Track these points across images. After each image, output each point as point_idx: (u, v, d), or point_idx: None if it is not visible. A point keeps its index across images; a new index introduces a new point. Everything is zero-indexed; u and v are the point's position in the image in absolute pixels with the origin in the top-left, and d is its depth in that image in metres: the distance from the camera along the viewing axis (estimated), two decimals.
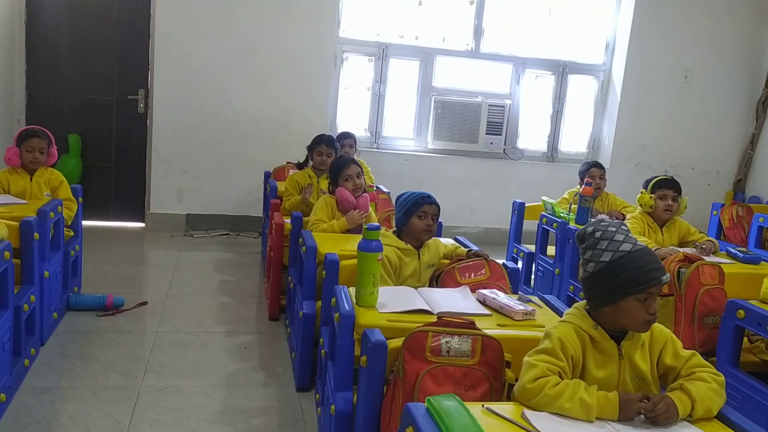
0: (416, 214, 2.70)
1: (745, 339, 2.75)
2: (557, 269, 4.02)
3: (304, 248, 2.99)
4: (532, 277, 4.47)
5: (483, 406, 1.58)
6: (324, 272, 2.73)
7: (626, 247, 1.68)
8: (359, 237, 3.15)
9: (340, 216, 3.38)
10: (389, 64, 6.03)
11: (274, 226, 3.82)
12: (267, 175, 5.14)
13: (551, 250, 4.31)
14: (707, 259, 3.28)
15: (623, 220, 4.20)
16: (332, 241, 3.09)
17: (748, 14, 6.34)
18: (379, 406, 1.91)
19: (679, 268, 2.91)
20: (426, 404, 1.50)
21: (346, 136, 5.09)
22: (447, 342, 1.86)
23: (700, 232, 3.75)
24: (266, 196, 4.95)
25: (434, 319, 2.11)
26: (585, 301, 1.77)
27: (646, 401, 1.57)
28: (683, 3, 6.21)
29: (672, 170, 6.36)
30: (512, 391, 1.69)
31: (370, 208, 3.50)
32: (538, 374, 1.60)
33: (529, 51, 6.26)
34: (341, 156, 3.76)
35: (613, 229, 1.73)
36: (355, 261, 2.69)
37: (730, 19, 6.33)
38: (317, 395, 2.70)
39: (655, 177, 3.73)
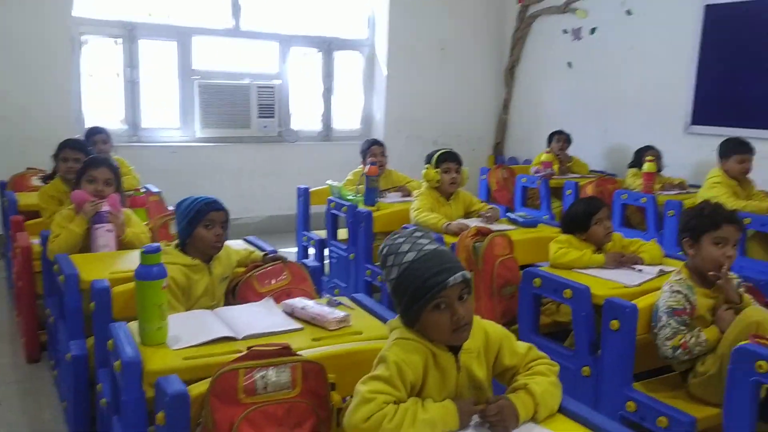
0: (202, 224, 2.34)
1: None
2: (351, 254, 3.89)
3: (62, 277, 2.46)
4: (326, 263, 4.31)
5: None
6: (92, 303, 2.25)
7: (410, 257, 1.52)
8: (126, 254, 2.72)
9: None
10: (139, 46, 5.39)
11: (18, 249, 3.15)
12: (2, 186, 4.29)
13: (342, 233, 4.18)
14: (493, 227, 3.37)
15: (408, 194, 4.21)
16: (97, 263, 2.59)
17: None
18: None
19: (475, 242, 2.91)
20: None
21: (96, 131, 4.41)
22: (263, 377, 1.58)
23: (481, 201, 3.86)
24: (4, 212, 4.14)
25: (241, 347, 1.80)
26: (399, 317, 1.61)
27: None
28: None
29: (440, 139, 6.61)
30: (342, 421, 1.47)
31: (127, 212, 2.99)
32: (373, 410, 1.40)
33: (294, 28, 6.02)
34: (92, 157, 3.17)
35: (401, 239, 1.57)
36: (130, 284, 2.29)
37: None
38: None
39: (437, 151, 3.74)
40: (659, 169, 5.06)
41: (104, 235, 2.78)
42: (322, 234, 4.33)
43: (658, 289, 2.39)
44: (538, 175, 5.34)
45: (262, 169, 5.88)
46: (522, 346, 1.63)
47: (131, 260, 2.66)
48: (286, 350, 1.64)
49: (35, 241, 3.16)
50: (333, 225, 4.19)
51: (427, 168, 3.68)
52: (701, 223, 2.32)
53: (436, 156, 3.68)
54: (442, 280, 1.47)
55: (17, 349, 3.26)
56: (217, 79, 5.66)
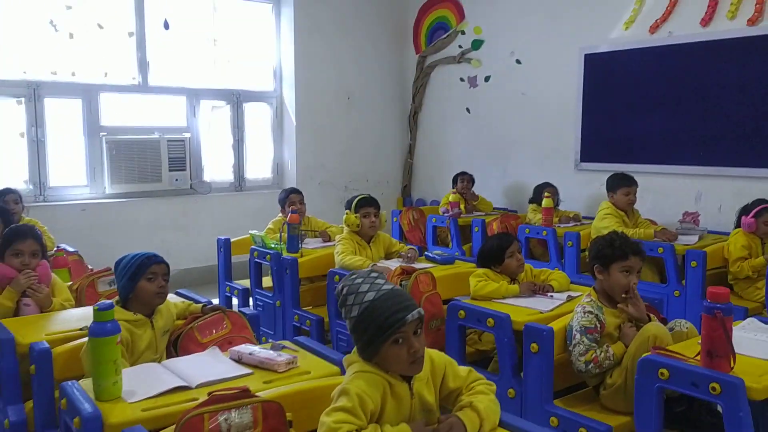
0: (144, 277, 2.40)
1: None
2: (278, 301, 3.98)
3: None
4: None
5: None
6: (33, 366, 2.25)
7: (370, 296, 1.68)
8: (56, 314, 2.72)
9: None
10: (44, 104, 5.31)
11: None
12: None
13: (267, 281, 4.27)
14: (415, 266, 3.59)
15: (329, 240, 4.37)
16: (30, 326, 2.58)
17: (389, 38, 7.13)
18: None
19: (401, 281, 3.10)
20: None
21: (7, 191, 4.31)
22: (226, 419, 1.67)
23: (399, 243, 4.08)
24: None
25: (197, 395, 1.90)
26: (354, 352, 1.76)
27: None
28: (337, 31, 6.70)
29: (351, 184, 6.85)
30: None
31: (55, 280, 2.98)
32: None
33: (202, 82, 6.12)
34: (14, 228, 3.10)
35: (360, 280, 1.72)
36: (68, 345, 2.33)
37: (378, 43, 7.04)
38: None
39: (356, 197, 3.94)
40: (556, 204, 5.50)
41: (29, 306, 2.78)
42: (246, 283, 4.39)
43: (569, 312, 2.66)
44: (447, 215, 5.64)
45: (175, 222, 5.85)
46: (463, 369, 1.83)
47: (63, 321, 2.68)
48: (245, 393, 1.75)
49: None
50: (257, 274, 4.27)
51: (347, 213, 3.86)
52: (612, 253, 2.62)
53: (355, 202, 3.88)
54: (402, 317, 1.63)
55: None
56: (125, 134, 5.64)
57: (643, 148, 5.36)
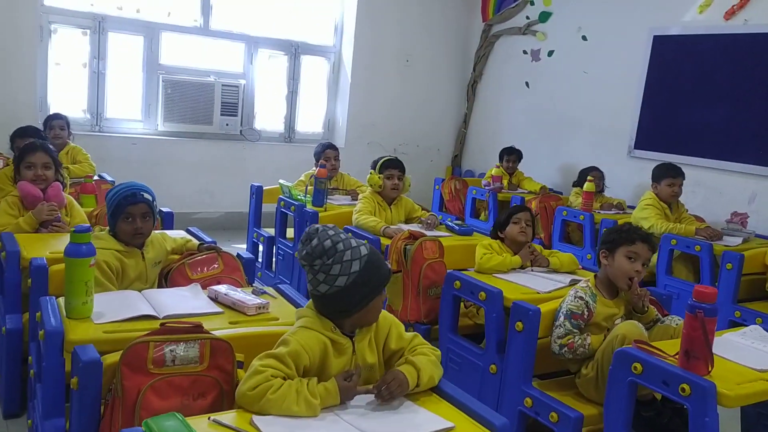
0: (122, 218, 2.41)
1: (462, 304, 3.02)
2: (297, 252, 4.03)
3: (3, 253, 2.57)
4: (273, 260, 4.44)
5: (210, 418, 1.49)
6: (29, 280, 2.37)
7: (363, 251, 1.72)
8: (66, 235, 2.84)
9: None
10: (108, 38, 5.49)
11: None
12: None
13: (291, 232, 4.33)
14: (429, 233, 3.55)
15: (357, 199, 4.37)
16: (40, 243, 2.71)
17: (457, 3, 6.96)
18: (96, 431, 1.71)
19: (405, 245, 3.08)
20: (143, 428, 1.36)
21: (54, 117, 4.51)
22: (172, 350, 1.72)
23: (423, 209, 4.04)
24: None
25: (158, 324, 1.95)
26: (310, 303, 1.77)
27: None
28: None
29: (400, 148, 6.80)
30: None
31: (68, 199, 3.11)
32: (260, 381, 1.56)
33: (262, 30, 6.16)
34: (28, 143, 3.24)
35: (343, 235, 1.73)
36: None
37: (444, 8, 6.89)
38: (29, 420, 2.35)
39: (382, 158, 3.92)
40: (601, 190, 5.31)
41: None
42: (272, 232, 4.47)
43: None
44: (488, 188, 5.54)
45: (221, 166, 5.99)
46: (408, 334, 1.81)
47: None
48: (196, 328, 1.79)
49: None
50: (282, 223, 4.34)
51: (371, 173, 3.85)
52: (619, 237, 2.53)
53: (380, 162, 3.86)
54: (389, 268, 1.78)
55: None
56: (182, 74, 5.77)
57: (700, 141, 5.07)
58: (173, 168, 5.71)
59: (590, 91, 5.93)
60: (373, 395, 1.64)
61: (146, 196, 2.44)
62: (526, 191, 5.72)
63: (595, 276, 2.62)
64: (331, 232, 1.71)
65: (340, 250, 1.68)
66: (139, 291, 2.32)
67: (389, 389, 1.61)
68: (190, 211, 5.68)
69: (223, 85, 5.91)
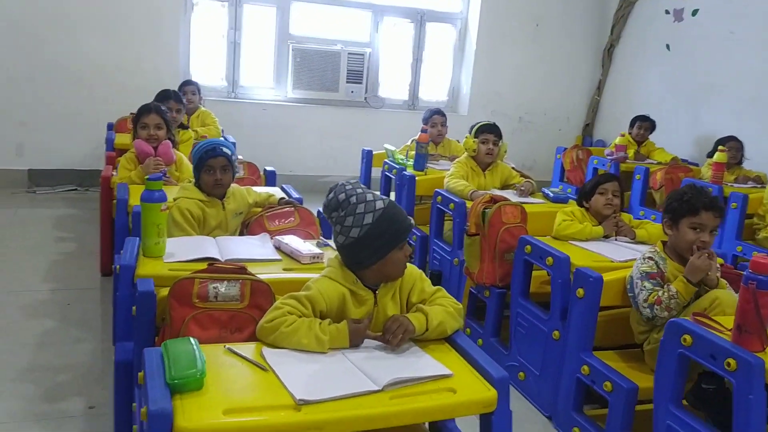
0: (204, 170, 2.63)
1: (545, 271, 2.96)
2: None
3: (115, 200, 2.93)
4: None
5: (225, 346, 1.64)
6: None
7: (379, 204, 1.77)
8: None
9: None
10: (243, 10, 5.87)
11: (101, 179, 3.70)
12: (109, 126, 4.93)
13: (394, 196, 4.43)
14: (522, 199, 3.50)
15: None
16: None
17: None
18: None
19: (484, 209, 3.07)
20: (162, 348, 1.54)
21: (187, 83, 4.94)
22: (215, 287, 1.89)
23: (522, 175, 3.96)
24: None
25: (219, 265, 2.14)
26: (337, 256, 1.85)
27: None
28: None
29: (526, 116, 6.64)
30: None
31: (177, 156, 3.43)
32: (276, 315, 1.69)
33: None
34: (143, 105, 3.58)
35: (360, 189, 1.78)
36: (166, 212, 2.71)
37: None
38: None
39: (479, 123, 3.88)
40: (738, 161, 4.86)
41: None
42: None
43: None
44: (610, 158, 5.28)
45: (345, 132, 6.21)
46: (432, 287, 1.85)
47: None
48: (241, 270, 1.95)
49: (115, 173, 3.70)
50: (386, 186, 4.46)
51: (467, 137, 3.83)
52: (681, 207, 2.35)
53: (477, 127, 3.83)
54: (410, 223, 1.81)
55: (96, 263, 3.84)
56: (310, 43, 6.04)
57: None
58: (300, 133, 6.02)
59: (737, 53, 5.40)
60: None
61: (225, 150, 2.65)
62: (654, 162, 5.37)
63: (663, 243, 2.46)
64: (348, 187, 1.79)
65: (353, 203, 1.75)
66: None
67: (394, 334, 1.67)
68: (316, 174, 5.97)
69: (349, 53, 6.10)
